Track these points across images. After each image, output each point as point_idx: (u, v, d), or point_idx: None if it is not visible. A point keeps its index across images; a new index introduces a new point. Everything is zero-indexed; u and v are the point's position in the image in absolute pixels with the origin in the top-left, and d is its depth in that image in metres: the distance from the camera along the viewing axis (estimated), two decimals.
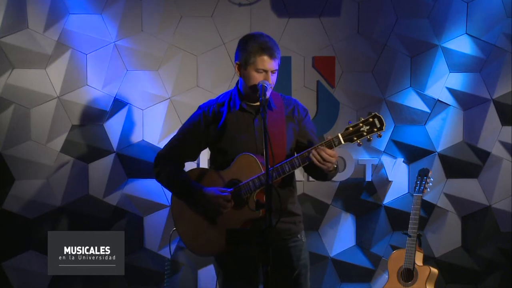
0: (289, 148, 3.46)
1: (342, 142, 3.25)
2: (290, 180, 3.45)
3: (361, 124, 3.25)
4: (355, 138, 3.25)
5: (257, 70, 3.34)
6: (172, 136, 3.59)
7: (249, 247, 3.33)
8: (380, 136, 3.26)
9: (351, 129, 3.26)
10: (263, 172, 3.28)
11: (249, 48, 3.35)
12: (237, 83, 3.50)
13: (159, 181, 3.53)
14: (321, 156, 3.23)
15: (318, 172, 3.41)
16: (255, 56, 3.33)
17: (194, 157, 3.59)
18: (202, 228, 3.43)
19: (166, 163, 3.50)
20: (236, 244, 3.39)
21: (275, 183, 3.33)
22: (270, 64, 3.33)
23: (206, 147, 3.55)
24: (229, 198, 3.36)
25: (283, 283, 3.46)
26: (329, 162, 3.24)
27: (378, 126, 3.24)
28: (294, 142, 3.48)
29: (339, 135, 3.25)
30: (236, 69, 3.42)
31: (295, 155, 3.36)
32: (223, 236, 3.24)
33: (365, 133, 3.24)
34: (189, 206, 3.46)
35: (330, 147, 3.25)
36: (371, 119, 3.24)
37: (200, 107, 3.55)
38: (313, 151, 3.25)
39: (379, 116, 3.24)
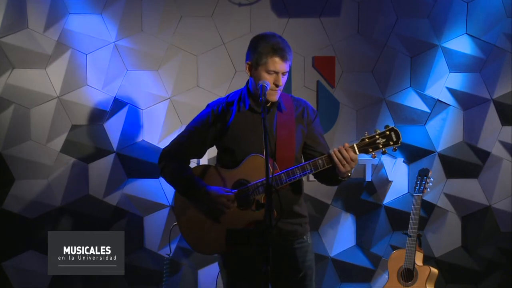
0: (298, 150, 3.45)
1: (357, 152, 3.24)
2: (297, 181, 3.43)
3: (377, 136, 3.24)
4: (370, 150, 3.24)
5: (268, 72, 3.31)
6: (173, 135, 3.60)
7: (251, 248, 3.34)
8: (395, 150, 3.26)
9: (367, 140, 3.25)
10: (274, 174, 3.27)
11: (261, 48, 3.33)
12: (247, 83, 3.48)
13: (163, 176, 3.53)
14: (342, 156, 3.23)
15: (329, 177, 3.40)
16: (267, 57, 3.30)
17: (200, 154, 3.57)
18: (205, 226, 3.43)
19: (171, 159, 3.49)
20: (236, 244, 3.40)
21: (284, 187, 3.33)
22: (281, 66, 3.31)
23: (213, 146, 3.55)
24: (233, 198, 3.35)
25: (288, 284, 3.46)
26: (348, 164, 3.24)
27: (395, 140, 3.24)
28: (302, 144, 3.48)
29: (355, 145, 3.25)
30: (247, 69, 3.39)
31: (305, 161, 3.35)
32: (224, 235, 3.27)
33: (380, 146, 3.24)
34: (192, 204, 3.45)
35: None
36: (388, 132, 3.24)
37: (209, 105, 3.53)
38: (335, 150, 3.25)
39: (396, 130, 3.24)
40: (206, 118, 3.48)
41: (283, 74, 3.33)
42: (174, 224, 3.56)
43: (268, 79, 3.30)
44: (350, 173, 3.34)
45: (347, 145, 3.26)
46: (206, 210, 3.42)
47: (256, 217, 3.33)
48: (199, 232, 3.45)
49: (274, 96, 3.36)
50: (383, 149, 3.25)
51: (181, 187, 3.48)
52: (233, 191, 3.37)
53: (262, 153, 3.28)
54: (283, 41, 3.35)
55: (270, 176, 3.20)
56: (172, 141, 3.55)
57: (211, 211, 3.41)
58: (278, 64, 3.30)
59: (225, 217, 3.40)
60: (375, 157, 3.28)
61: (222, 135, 3.45)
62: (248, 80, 3.46)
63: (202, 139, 3.49)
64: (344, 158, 3.23)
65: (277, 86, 3.32)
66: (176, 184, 3.50)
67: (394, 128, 3.25)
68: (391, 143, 3.24)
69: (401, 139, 3.24)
